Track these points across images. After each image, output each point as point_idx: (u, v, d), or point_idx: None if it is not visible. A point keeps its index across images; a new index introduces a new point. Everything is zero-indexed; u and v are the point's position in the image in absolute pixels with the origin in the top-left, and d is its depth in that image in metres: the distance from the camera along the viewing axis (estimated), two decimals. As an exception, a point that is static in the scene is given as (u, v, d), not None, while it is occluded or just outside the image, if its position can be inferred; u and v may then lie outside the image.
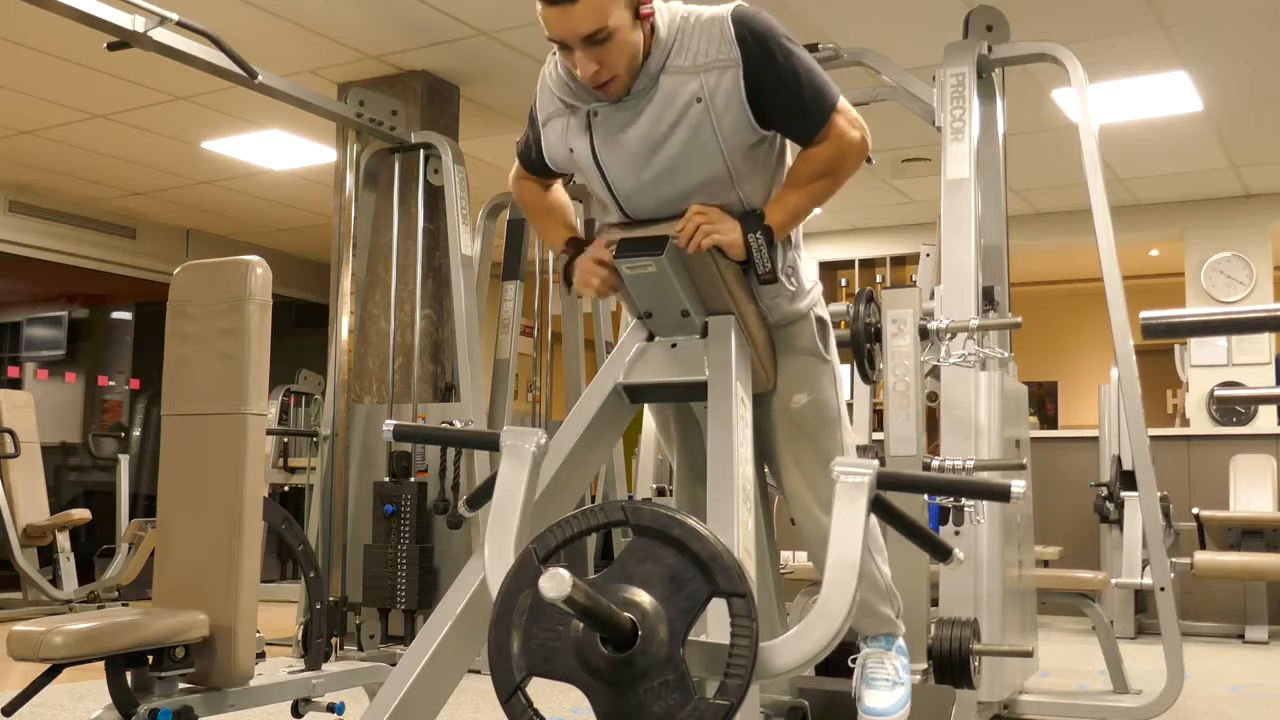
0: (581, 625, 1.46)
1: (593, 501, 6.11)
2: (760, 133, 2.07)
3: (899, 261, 8.82)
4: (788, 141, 2.19)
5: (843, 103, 2.09)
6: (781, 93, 2.02)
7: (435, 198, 5.49)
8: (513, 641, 1.52)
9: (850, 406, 4.75)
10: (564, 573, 1.32)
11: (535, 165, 2.28)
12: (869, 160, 4.54)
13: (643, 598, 1.47)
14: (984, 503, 3.25)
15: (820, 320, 2.36)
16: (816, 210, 2.19)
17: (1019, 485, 1.72)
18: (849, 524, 1.66)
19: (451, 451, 4.93)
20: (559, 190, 2.37)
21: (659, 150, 2.04)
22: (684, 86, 2.00)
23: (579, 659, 1.47)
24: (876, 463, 1.71)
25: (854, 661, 2.58)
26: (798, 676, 2.61)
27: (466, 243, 5.21)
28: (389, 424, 2.04)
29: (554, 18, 1.91)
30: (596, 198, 2.22)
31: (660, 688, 1.43)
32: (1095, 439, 6.30)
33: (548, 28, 1.94)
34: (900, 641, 2.57)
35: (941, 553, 1.75)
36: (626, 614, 1.44)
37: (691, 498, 2.39)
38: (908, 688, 2.52)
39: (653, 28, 1.99)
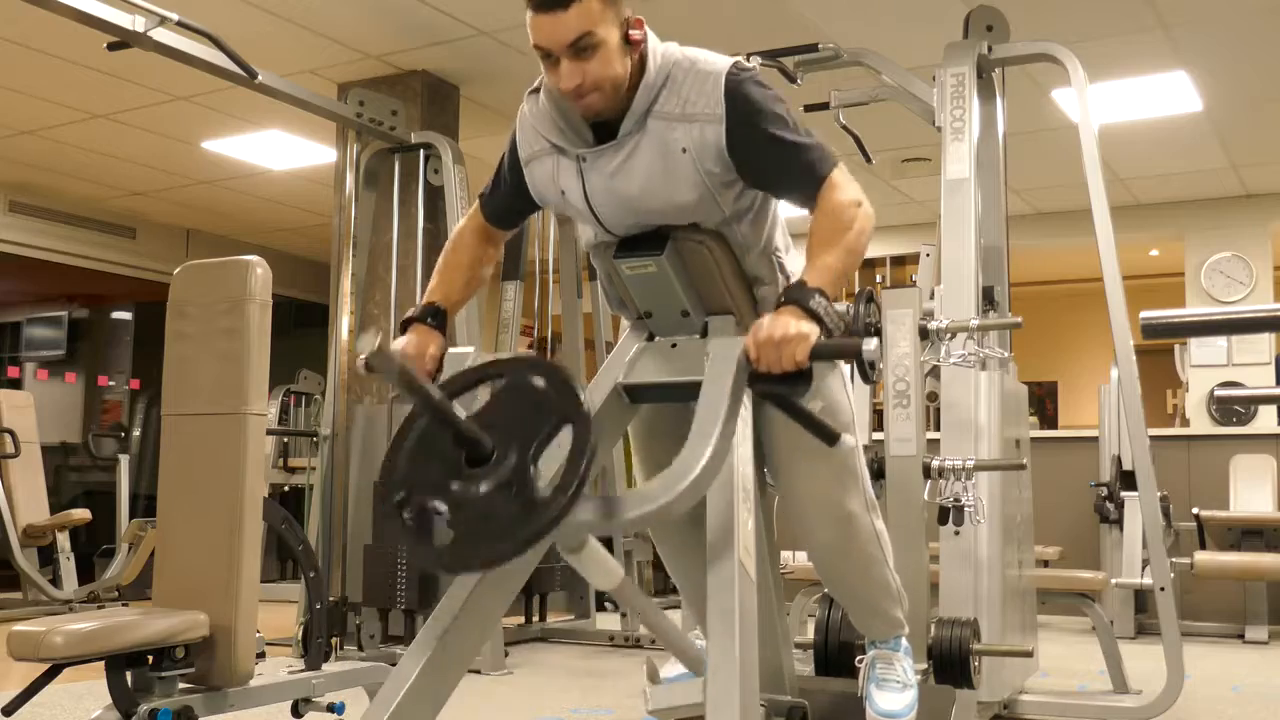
0: (454, 450, 1.67)
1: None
2: (744, 183, 2.07)
3: (899, 261, 8.83)
4: None
5: (837, 174, 2.03)
6: (766, 160, 2.02)
7: (435, 198, 5.49)
8: (396, 464, 1.74)
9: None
10: (373, 337, 1.60)
11: (499, 210, 2.29)
12: (868, 160, 4.53)
13: (502, 427, 1.68)
14: (984, 502, 3.25)
15: None
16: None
17: (870, 344, 1.85)
18: (717, 385, 1.86)
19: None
20: (488, 254, 2.35)
21: (651, 196, 2.03)
22: (671, 133, 1.99)
23: (447, 476, 1.68)
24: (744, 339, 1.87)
25: (860, 662, 2.59)
26: (799, 676, 2.61)
27: (466, 243, 5.21)
28: (365, 352, 1.83)
29: (543, 24, 1.90)
30: (586, 229, 2.21)
31: (504, 494, 1.63)
32: (1095, 439, 6.29)
33: (535, 34, 1.93)
34: (906, 642, 2.57)
35: (829, 437, 1.92)
36: (486, 436, 1.66)
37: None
38: (916, 690, 2.53)
39: (642, 64, 1.99)
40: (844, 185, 2.02)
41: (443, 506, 1.67)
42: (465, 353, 2.20)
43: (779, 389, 1.88)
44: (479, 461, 1.66)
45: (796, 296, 1.88)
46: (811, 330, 1.83)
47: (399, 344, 2.20)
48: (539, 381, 1.72)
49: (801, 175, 2.03)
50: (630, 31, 1.95)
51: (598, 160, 2.03)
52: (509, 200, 2.25)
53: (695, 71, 2.00)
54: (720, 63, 2.02)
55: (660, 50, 2.01)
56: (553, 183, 2.11)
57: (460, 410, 1.68)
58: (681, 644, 2.01)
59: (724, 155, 2.00)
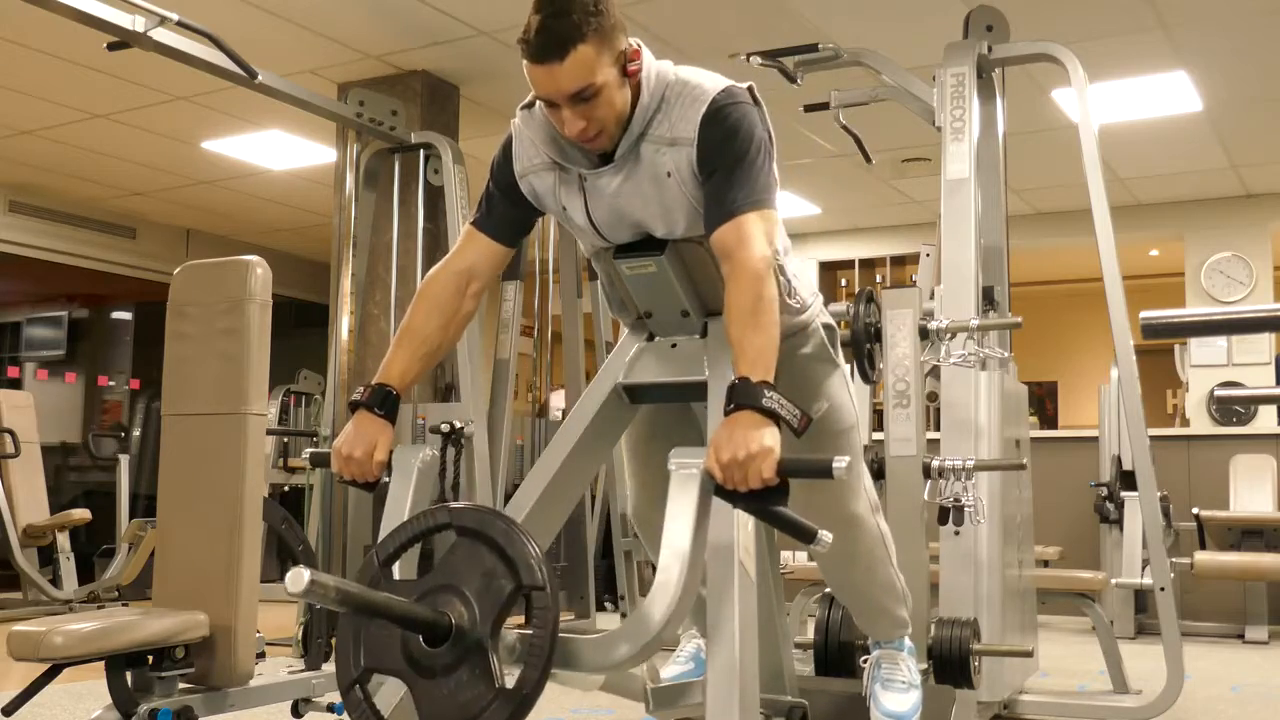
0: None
1: (593, 502, 6.11)
2: None
3: (899, 261, 8.82)
4: None
5: (752, 218, 1.90)
6: (714, 171, 1.94)
7: (435, 198, 5.49)
8: (353, 640, 1.64)
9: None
10: (302, 571, 1.45)
11: (500, 225, 2.15)
12: (869, 160, 4.53)
13: (459, 595, 1.60)
14: (984, 502, 3.25)
15: (827, 327, 2.37)
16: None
17: (840, 463, 1.69)
18: (680, 515, 1.74)
19: (451, 451, 4.93)
20: (463, 309, 2.14)
21: (651, 218, 2.02)
22: (660, 157, 1.96)
23: (405, 654, 1.60)
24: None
25: (864, 662, 2.59)
26: (799, 676, 2.61)
27: (466, 243, 5.21)
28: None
29: (541, 76, 1.88)
30: (584, 240, 2.18)
31: (469, 678, 1.55)
32: (1095, 439, 6.29)
33: (535, 86, 1.91)
34: (909, 642, 2.57)
35: (806, 536, 1.75)
36: (443, 611, 1.57)
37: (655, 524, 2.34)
38: (920, 690, 2.53)
39: (638, 86, 1.95)
40: (754, 236, 1.89)
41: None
42: (414, 451, 2.06)
43: (753, 505, 1.74)
44: (437, 640, 1.58)
45: (746, 399, 1.73)
46: (773, 440, 1.70)
47: (342, 440, 2.01)
48: (492, 541, 1.61)
49: (720, 198, 1.93)
50: (628, 65, 1.93)
51: (598, 180, 2.02)
52: (509, 211, 2.15)
53: (686, 94, 1.96)
54: (711, 86, 1.97)
55: (655, 72, 1.97)
56: (554, 197, 2.08)
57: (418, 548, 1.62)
58: None
59: (694, 172, 1.96)
